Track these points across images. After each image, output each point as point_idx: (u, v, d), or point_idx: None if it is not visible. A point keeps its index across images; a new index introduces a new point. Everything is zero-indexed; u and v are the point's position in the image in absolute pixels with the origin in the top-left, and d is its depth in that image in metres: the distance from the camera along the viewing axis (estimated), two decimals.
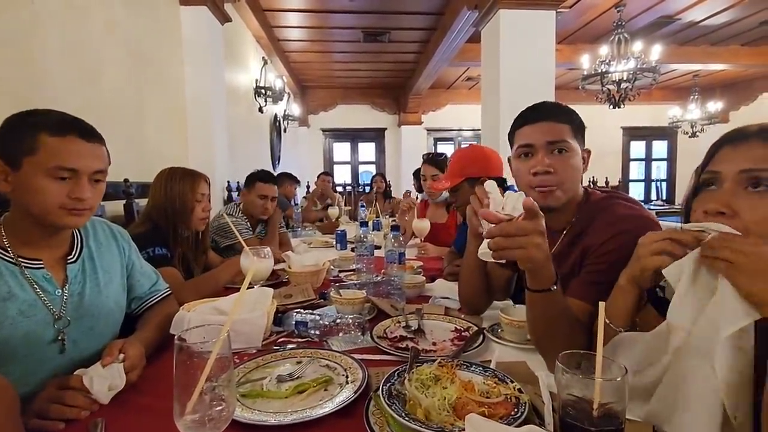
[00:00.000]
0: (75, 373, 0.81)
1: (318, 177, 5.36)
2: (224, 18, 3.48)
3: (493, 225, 0.80)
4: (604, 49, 4.54)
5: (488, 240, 0.81)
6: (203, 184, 1.74)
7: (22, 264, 0.92)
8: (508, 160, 1.19)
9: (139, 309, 1.19)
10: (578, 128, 1.06)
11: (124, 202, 2.07)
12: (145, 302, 1.19)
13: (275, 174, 4.43)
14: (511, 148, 1.14)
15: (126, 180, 2.07)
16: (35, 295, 0.92)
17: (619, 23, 4.48)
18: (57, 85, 1.81)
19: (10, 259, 0.91)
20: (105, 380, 0.79)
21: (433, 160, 2.58)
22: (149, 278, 1.22)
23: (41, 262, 0.96)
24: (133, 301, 1.18)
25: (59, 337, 0.95)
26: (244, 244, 1.34)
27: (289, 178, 4.45)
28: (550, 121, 1.04)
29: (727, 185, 0.66)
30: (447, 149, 8.79)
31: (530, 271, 0.83)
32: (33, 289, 0.92)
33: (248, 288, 0.68)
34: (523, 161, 1.07)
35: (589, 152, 1.10)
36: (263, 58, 5.38)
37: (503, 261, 0.94)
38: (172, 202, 1.64)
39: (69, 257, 1.02)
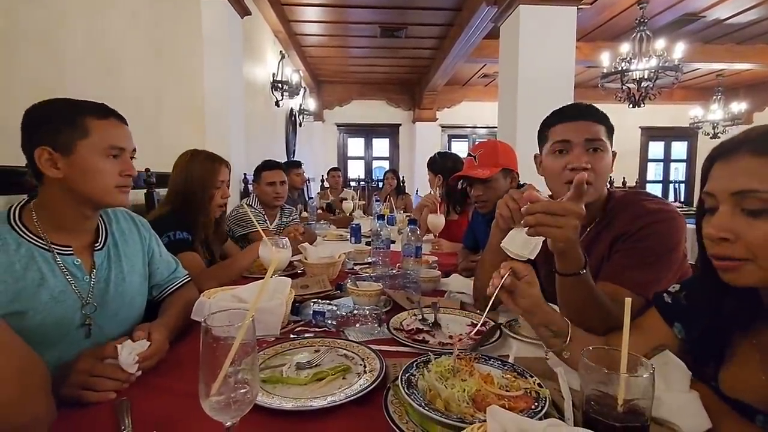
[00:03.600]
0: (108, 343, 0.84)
1: (328, 173, 5.40)
2: (243, 11, 3.50)
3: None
4: (625, 47, 4.44)
5: (524, 226, 0.85)
6: (224, 170, 1.73)
7: (55, 250, 0.95)
8: (535, 157, 1.22)
9: (159, 296, 1.21)
10: (610, 131, 1.11)
11: (145, 191, 2.11)
12: (165, 289, 1.22)
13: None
14: (542, 145, 1.17)
15: (147, 169, 2.11)
16: (66, 281, 0.95)
17: (642, 20, 4.38)
18: (80, 77, 1.84)
19: (44, 246, 0.94)
20: (133, 350, 0.82)
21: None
22: (168, 265, 1.24)
23: (71, 249, 0.98)
24: (154, 288, 1.21)
25: (86, 322, 0.97)
26: (263, 234, 1.35)
27: (290, 166, 3.95)
28: (587, 120, 1.08)
29: (723, 208, 0.64)
30: (461, 146, 8.75)
31: (561, 254, 0.88)
32: (64, 275, 0.95)
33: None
34: (558, 157, 1.10)
35: (614, 154, 1.13)
36: (281, 52, 5.40)
37: (523, 259, 0.96)
38: (192, 187, 1.63)
39: (96, 244, 1.05)
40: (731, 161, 0.64)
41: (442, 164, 2.68)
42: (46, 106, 0.95)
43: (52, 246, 0.95)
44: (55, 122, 0.93)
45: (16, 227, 0.92)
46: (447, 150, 8.18)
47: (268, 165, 2.56)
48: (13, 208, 0.95)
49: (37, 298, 0.89)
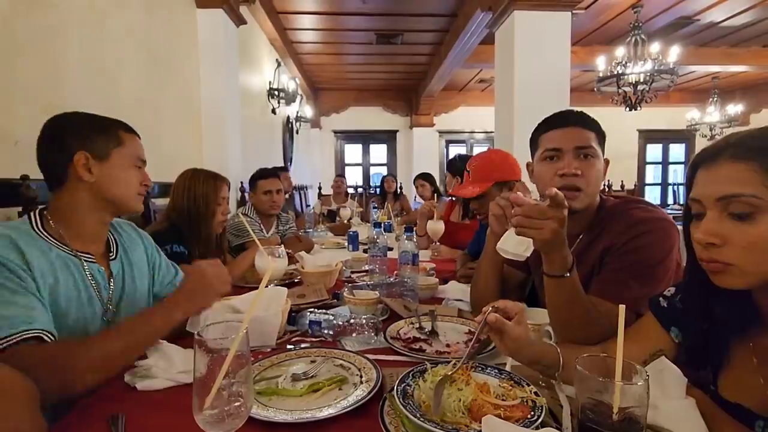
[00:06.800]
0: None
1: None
2: (239, 20, 3.51)
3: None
4: (620, 51, 4.47)
5: (512, 226, 0.87)
6: (225, 188, 1.79)
7: (82, 257, 0.97)
8: (527, 165, 1.21)
9: None
10: (602, 138, 1.10)
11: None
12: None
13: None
14: (534, 152, 1.17)
15: None
16: (92, 288, 0.98)
17: (636, 24, 4.42)
18: (78, 88, 1.84)
19: (71, 253, 0.96)
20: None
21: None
22: (169, 272, 1.27)
23: (93, 257, 1.01)
24: (156, 297, 1.22)
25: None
26: (258, 243, 1.35)
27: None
28: (578, 127, 1.07)
29: (710, 213, 0.64)
30: (459, 152, 8.75)
31: (546, 255, 0.90)
32: (90, 282, 0.98)
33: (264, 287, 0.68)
34: (548, 164, 1.09)
35: (607, 162, 1.12)
36: (277, 60, 5.43)
37: (521, 259, 0.97)
38: (195, 204, 1.68)
39: (110, 254, 1.08)
40: (713, 167, 0.65)
41: (460, 166, 2.68)
42: (78, 116, 1.01)
43: (78, 253, 0.97)
44: (93, 130, 1.00)
45: (42, 236, 0.93)
46: (446, 154, 8.22)
47: (263, 173, 2.55)
48: (32, 218, 0.96)
49: (71, 302, 0.93)
